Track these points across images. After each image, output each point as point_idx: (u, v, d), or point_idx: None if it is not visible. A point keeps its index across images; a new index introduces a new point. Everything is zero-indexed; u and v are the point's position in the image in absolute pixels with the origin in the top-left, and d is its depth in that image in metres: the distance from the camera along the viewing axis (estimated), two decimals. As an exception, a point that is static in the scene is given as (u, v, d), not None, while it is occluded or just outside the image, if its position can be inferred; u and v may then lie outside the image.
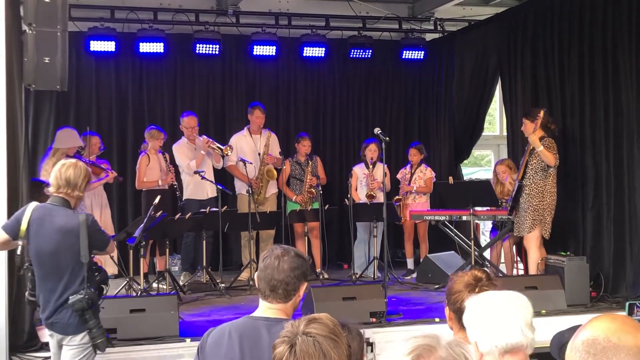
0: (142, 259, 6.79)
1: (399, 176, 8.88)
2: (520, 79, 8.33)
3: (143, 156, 7.88)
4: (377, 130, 6.59)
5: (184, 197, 7.99)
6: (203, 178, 7.93)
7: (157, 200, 6.51)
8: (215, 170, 8.34)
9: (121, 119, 9.14)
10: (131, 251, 6.85)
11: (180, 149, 8.20)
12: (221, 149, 8.10)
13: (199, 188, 8.16)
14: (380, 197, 8.31)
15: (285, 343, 1.92)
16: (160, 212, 6.71)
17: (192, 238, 8.24)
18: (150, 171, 7.85)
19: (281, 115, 9.78)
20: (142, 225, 6.49)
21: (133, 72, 9.17)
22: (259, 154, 8.47)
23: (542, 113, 6.88)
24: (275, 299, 2.67)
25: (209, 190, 8.22)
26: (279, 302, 2.67)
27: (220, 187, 7.68)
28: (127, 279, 6.85)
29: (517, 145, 8.32)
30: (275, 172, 8.46)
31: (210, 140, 8.12)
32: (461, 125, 10.01)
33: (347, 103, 10.06)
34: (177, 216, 7.12)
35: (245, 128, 8.65)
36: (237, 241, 8.90)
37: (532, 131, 6.84)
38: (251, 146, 8.52)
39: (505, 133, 10.58)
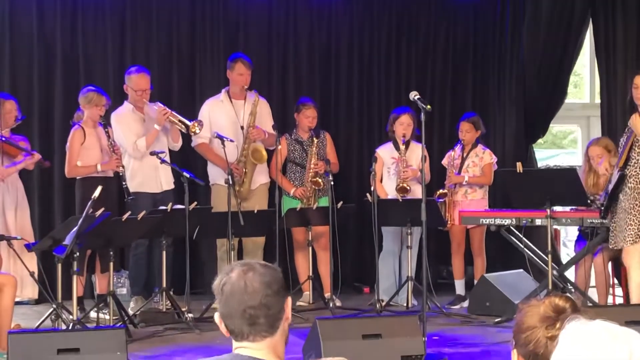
0: (75, 277, 6.78)
1: (444, 162, 8.86)
2: (620, 22, 8.29)
3: (76, 130, 7.87)
4: (413, 95, 6.55)
5: (130, 189, 7.98)
6: (163, 162, 7.92)
7: (97, 192, 6.50)
8: (172, 152, 8.35)
9: (46, 76, 9.13)
10: (59, 265, 6.83)
11: (123, 119, 8.17)
12: (186, 125, 8.08)
13: (150, 177, 8.16)
14: (417, 191, 8.29)
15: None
16: (102, 209, 6.70)
17: (146, 248, 8.24)
18: (86, 151, 7.84)
19: (275, 74, 9.78)
20: (75, 228, 6.49)
21: (64, 10, 9.16)
22: (242, 128, 8.46)
23: None
24: (258, 335, 2.66)
25: (164, 181, 8.22)
26: (264, 337, 2.67)
27: (188, 175, 7.67)
28: (54, 306, 6.84)
29: (615, 117, 8.31)
30: (264, 153, 8.46)
31: (170, 111, 8.10)
32: (535, 90, 9.97)
33: (370, 57, 10.05)
34: (126, 216, 7.12)
35: (223, 91, 8.65)
36: (212, 253, 8.90)
37: None
38: (231, 116, 8.51)
39: (597, 100, 10.55)
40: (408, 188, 8.38)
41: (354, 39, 10.01)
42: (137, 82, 8.17)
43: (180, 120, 8.12)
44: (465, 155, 8.70)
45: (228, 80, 8.64)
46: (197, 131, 8.10)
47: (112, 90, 8.65)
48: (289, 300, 2.73)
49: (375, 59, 10.07)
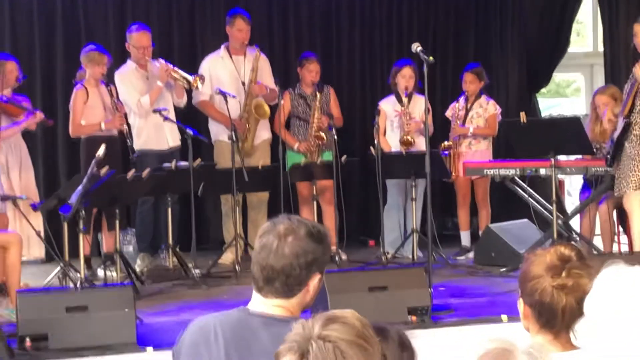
0: (81, 236, 6.82)
1: (448, 113, 8.84)
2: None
3: (79, 89, 7.85)
4: (415, 47, 6.52)
5: (136, 148, 7.99)
6: (166, 119, 7.90)
7: (101, 151, 6.50)
8: (178, 109, 8.33)
9: (47, 35, 9.10)
10: (66, 224, 6.86)
11: (126, 77, 8.14)
12: (188, 81, 8.06)
13: (156, 135, 8.15)
14: (421, 144, 8.27)
15: (293, 351, 1.92)
16: (107, 168, 6.71)
17: (151, 206, 8.26)
18: (90, 110, 7.82)
19: (276, 28, 9.76)
20: (80, 187, 6.50)
21: (62, -32, 9.11)
22: (243, 83, 8.44)
23: None
24: (271, 294, 2.68)
25: (171, 138, 8.21)
26: (276, 297, 2.68)
27: (192, 133, 7.67)
28: (61, 265, 6.88)
29: (618, 65, 8.27)
30: (267, 108, 8.43)
31: (172, 67, 8.08)
32: (537, 39, 9.92)
33: (372, 10, 10.00)
34: (131, 174, 7.13)
35: (223, 47, 8.60)
36: (217, 209, 8.92)
37: None
38: (232, 72, 8.48)
39: (601, 49, 10.48)
40: (412, 141, 8.35)
41: (355, -9, 9.96)
42: (138, 39, 8.13)
43: (182, 76, 8.09)
44: (469, 106, 8.66)
45: (227, 35, 8.61)
46: (199, 86, 8.08)
47: (114, 48, 8.61)
48: (317, 277, 2.71)
49: (377, 12, 10.01)
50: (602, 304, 2.12)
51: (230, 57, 8.54)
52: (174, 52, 9.27)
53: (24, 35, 9.05)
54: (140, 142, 8.03)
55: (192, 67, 8.67)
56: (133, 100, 8.05)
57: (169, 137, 8.21)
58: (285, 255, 2.65)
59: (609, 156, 7.17)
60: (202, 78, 8.08)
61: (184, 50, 9.42)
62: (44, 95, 8.95)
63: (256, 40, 8.65)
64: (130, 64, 8.21)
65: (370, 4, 9.98)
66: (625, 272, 2.17)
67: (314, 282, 2.71)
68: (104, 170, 6.67)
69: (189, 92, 8.35)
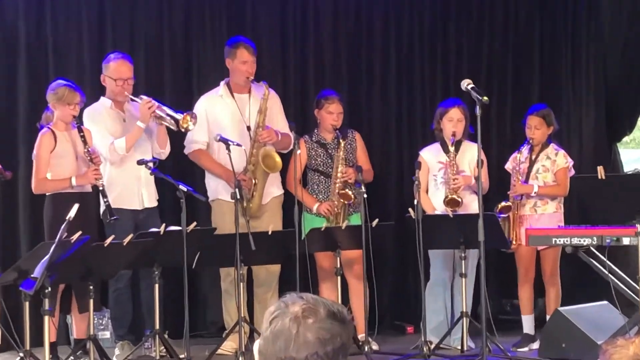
0: (47, 318, 6.81)
1: (508, 166, 8.84)
2: None
3: (45, 133, 7.88)
4: (466, 85, 6.54)
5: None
6: (153, 172, 7.90)
7: (72, 212, 6.52)
8: (161, 161, 8.36)
9: (6, 71, 9.17)
10: (27, 304, 6.86)
11: (98, 117, 8.20)
12: (176, 120, 8.06)
13: (131, 191, 8.20)
14: (471, 204, 8.28)
15: None
16: (79, 233, 6.72)
17: (128, 281, 8.28)
18: (58, 160, 7.85)
19: (291, 63, 9.85)
20: (46, 257, 6.51)
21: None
22: (248, 128, 8.46)
23: None
24: None
25: (147, 197, 8.25)
26: None
27: (186, 189, 7.67)
28: (21, 355, 6.86)
29: None
30: (278, 159, 8.45)
31: (157, 103, 8.09)
32: (618, 75, 9.94)
33: (411, 40, 10.09)
34: (109, 240, 7.14)
35: (222, 83, 8.67)
36: (216, 285, 8.91)
37: None
38: (234, 114, 8.53)
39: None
40: (459, 200, 8.33)
41: (390, 19, 10.03)
42: (116, 69, 8.17)
43: (168, 114, 8.06)
44: (534, 157, 8.65)
45: (227, 69, 8.64)
46: (190, 126, 8.06)
47: (89, 85, 8.67)
48: None
49: (417, 42, 10.09)
50: None
51: (232, 95, 8.58)
52: (164, 90, 9.29)
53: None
54: (111, 197, 7.88)
55: (186, 108, 8.70)
56: (104, 144, 8.05)
57: (144, 195, 8.21)
58: (309, 342, 2.64)
59: None
60: (193, 116, 8.04)
61: (177, 87, 9.46)
62: (2, 141, 8.98)
63: (266, 76, 8.69)
64: (103, 101, 8.26)
65: (409, 31, 10.04)
66: None
67: None
68: (75, 237, 6.68)
69: (179, 142, 8.35)
